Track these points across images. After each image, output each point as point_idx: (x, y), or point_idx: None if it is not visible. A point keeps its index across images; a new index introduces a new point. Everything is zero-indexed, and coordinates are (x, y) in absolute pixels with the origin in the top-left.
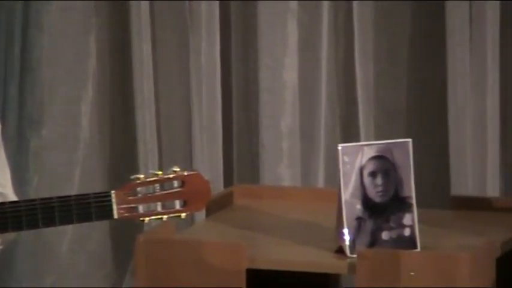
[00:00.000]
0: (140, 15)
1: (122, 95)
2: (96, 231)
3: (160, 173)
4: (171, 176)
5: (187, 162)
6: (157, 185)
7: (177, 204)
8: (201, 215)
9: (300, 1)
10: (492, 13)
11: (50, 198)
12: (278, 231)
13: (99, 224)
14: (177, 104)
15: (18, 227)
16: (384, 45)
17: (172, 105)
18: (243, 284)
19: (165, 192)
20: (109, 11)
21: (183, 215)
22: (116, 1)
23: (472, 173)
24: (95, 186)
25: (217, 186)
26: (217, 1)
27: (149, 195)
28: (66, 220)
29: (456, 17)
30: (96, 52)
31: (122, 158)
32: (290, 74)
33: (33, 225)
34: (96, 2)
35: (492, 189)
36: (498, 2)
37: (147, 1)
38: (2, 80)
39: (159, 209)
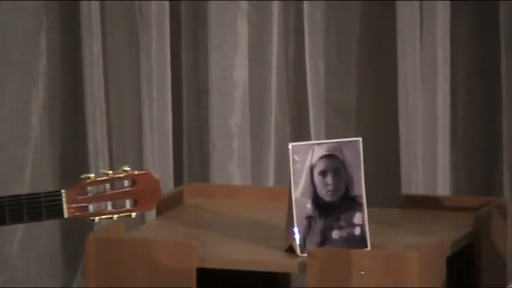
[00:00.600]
0: (90, 15)
1: (72, 95)
2: (47, 231)
3: (110, 172)
4: (121, 175)
5: (138, 161)
6: (107, 185)
7: (128, 204)
8: (151, 214)
9: (251, 1)
10: (442, 12)
11: (1, 197)
12: (228, 230)
13: (50, 223)
14: (127, 103)
15: None
16: (334, 45)
17: (123, 105)
18: (194, 283)
19: (116, 191)
20: (59, 11)
21: (134, 214)
22: (66, 1)
23: (422, 172)
24: (46, 186)
25: (168, 185)
26: (168, 1)
27: (99, 194)
28: (17, 219)
29: (406, 16)
30: (46, 52)
31: (72, 158)
32: (240, 73)
33: None
34: (47, 1)
35: (442, 188)
36: (448, 1)
37: (97, 1)
38: None
39: (110, 208)
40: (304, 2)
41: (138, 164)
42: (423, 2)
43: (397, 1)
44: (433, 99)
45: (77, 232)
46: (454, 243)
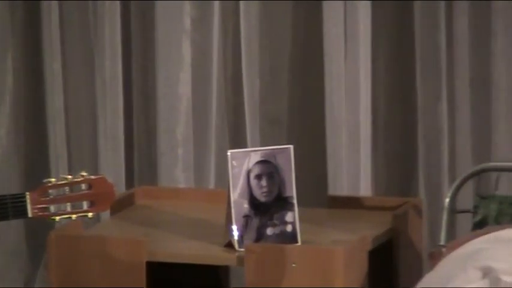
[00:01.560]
0: (51, 38)
1: (35, 108)
2: (13, 229)
3: (69, 177)
4: (79, 179)
5: (94, 167)
6: (67, 188)
7: (85, 205)
8: (106, 214)
9: (194, 23)
10: (364, 31)
11: None
12: (175, 227)
13: (15, 222)
14: (84, 115)
15: None
16: (267, 62)
17: (80, 117)
18: (143, 275)
19: (74, 194)
20: (25, 33)
21: (90, 214)
22: (30, 25)
23: (346, 175)
24: (12, 189)
25: (120, 188)
26: (119, 24)
27: (60, 196)
28: None
29: (332, 35)
30: (12, 69)
31: (35, 164)
32: (184, 88)
33: None
34: (13, 24)
35: (364, 190)
36: (369, 21)
37: (58, 28)
38: None
39: (69, 209)
40: (242, 26)
41: (94, 169)
42: (347, 25)
43: (324, 21)
44: (355, 110)
45: (39, 230)
46: (374, 239)
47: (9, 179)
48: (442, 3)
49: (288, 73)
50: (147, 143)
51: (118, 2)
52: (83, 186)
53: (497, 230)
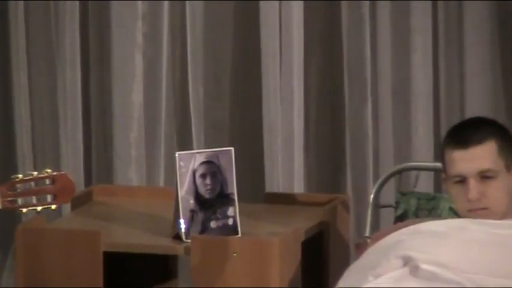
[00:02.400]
0: (18, 52)
1: (4, 113)
2: None
3: (35, 173)
4: (43, 175)
5: (56, 167)
6: (32, 183)
7: (49, 198)
8: (67, 209)
9: (145, 38)
10: (297, 45)
11: None
12: (128, 221)
13: None
14: (48, 119)
15: None
16: (210, 73)
17: (44, 121)
18: (101, 264)
19: (39, 188)
20: None
21: (53, 206)
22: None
23: (281, 174)
24: None
25: (79, 186)
26: (79, 39)
27: (26, 190)
28: None
29: (269, 49)
30: None
31: (4, 161)
32: (137, 96)
33: None
34: None
35: (298, 187)
36: (302, 37)
37: (24, 43)
38: None
39: (35, 201)
40: (188, 40)
41: (56, 169)
42: (282, 39)
43: (261, 40)
44: (289, 115)
45: (7, 224)
46: (307, 231)
47: None
48: (367, 20)
49: (229, 82)
50: (103, 145)
51: (77, 19)
52: (47, 181)
53: (416, 223)
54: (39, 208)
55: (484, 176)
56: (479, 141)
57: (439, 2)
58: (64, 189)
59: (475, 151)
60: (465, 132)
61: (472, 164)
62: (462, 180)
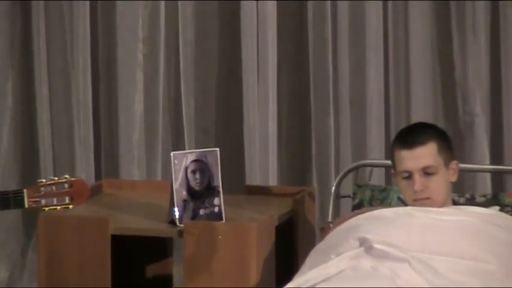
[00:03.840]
0: (40, 69)
1: (29, 124)
2: (11, 212)
3: (56, 178)
4: (62, 180)
5: (72, 166)
6: (53, 186)
7: (67, 199)
8: None
9: (145, 58)
10: (272, 64)
11: None
12: (131, 210)
13: (13, 212)
14: (65, 127)
15: None
16: (200, 86)
17: (61, 129)
18: (109, 246)
19: (59, 191)
20: (20, 66)
21: (70, 206)
22: (24, 62)
23: (259, 170)
24: (13, 187)
25: (91, 181)
26: (89, 59)
27: (48, 192)
28: None
29: (248, 67)
30: (11, 93)
31: (30, 167)
32: (138, 106)
33: None
34: (12, 58)
35: (272, 181)
36: (275, 56)
37: (46, 62)
38: None
39: (55, 202)
40: (181, 60)
41: (72, 167)
42: (260, 58)
43: (242, 61)
44: (265, 121)
45: (32, 212)
46: (279, 217)
47: (10, 179)
48: (330, 42)
49: (214, 95)
50: (110, 147)
51: (89, 42)
52: (66, 185)
53: (371, 210)
54: (58, 208)
55: (427, 172)
56: (422, 143)
57: (389, 30)
58: (80, 192)
59: (419, 151)
60: (411, 135)
61: (416, 161)
62: (409, 175)
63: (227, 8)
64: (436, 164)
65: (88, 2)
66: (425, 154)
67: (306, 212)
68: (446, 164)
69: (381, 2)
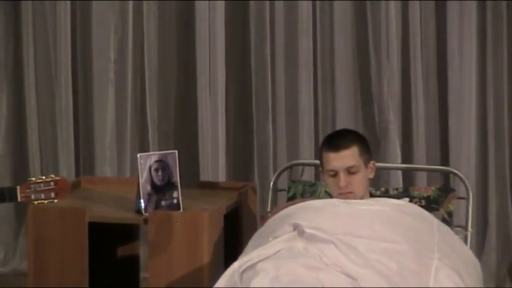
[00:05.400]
0: (29, 85)
1: (19, 131)
2: (5, 205)
3: (43, 177)
4: (49, 179)
5: (56, 165)
6: (42, 184)
7: (52, 195)
8: None
9: (116, 75)
10: (221, 80)
11: None
12: (104, 201)
13: (7, 205)
14: (50, 133)
15: None
16: (161, 99)
17: (47, 134)
18: (86, 231)
19: (46, 188)
20: (11, 82)
21: (55, 201)
22: (14, 76)
23: (211, 168)
24: (7, 183)
25: (71, 177)
26: (70, 76)
27: (37, 189)
28: None
29: (202, 78)
30: (6, 104)
31: (21, 168)
32: (110, 114)
33: None
34: (6, 73)
35: (221, 177)
36: (225, 75)
37: (34, 76)
38: None
39: (43, 197)
40: (146, 77)
41: (56, 166)
42: (211, 73)
43: (197, 76)
44: (216, 127)
45: (22, 204)
46: (227, 207)
47: (5, 177)
48: (269, 62)
49: (174, 105)
50: (87, 149)
51: (70, 63)
52: (51, 183)
53: (302, 201)
54: (45, 202)
55: (350, 171)
56: (346, 147)
57: (318, 53)
58: (63, 189)
59: (344, 154)
60: (336, 140)
61: (342, 162)
62: (335, 174)
63: (184, 38)
64: (357, 164)
65: (69, 28)
66: (349, 156)
67: (249, 203)
68: (366, 163)
69: (311, 31)
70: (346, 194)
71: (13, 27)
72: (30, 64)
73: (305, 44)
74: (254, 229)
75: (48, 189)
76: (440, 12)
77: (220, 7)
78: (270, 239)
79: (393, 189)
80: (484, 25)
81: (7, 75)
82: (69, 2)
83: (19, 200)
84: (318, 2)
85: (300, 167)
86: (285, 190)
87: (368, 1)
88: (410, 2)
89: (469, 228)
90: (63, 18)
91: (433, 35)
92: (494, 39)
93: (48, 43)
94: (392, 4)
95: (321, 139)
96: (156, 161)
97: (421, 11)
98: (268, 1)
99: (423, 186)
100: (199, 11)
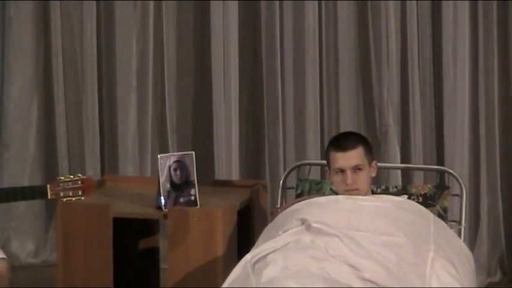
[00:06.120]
0: (58, 95)
1: (50, 135)
2: (37, 201)
3: (71, 176)
4: (76, 178)
5: (83, 166)
6: (70, 182)
7: (79, 192)
8: None
9: (138, 84)
10: (234, 82)
11: (16, 187)
12: (128, 198)
13: (38, 201)
14: (77, 136)
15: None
16: (180, 104)
17: (75, 137)
18: (111, 226)
19: (73, 186)
20: (42, 91)
21: (82, 198)
22: (44, 85)
23: (225, 168)
24: (38, 182)
25: (97, 176)
26: (96, 84)
27: (66, 187)
28: (24, 198)
29: (217, 85)
30: (37, 110)
31: (51, 168)
32: (132, 120)
33: (9, 200)
34: (37, 85)
35: (235, 176)
36: (238, 82)
37: (62, 82)
38: None
39: (70, 194)
40: (166, 86)
41: (83, 167)
42: (225, 83)
43: (213, 84)
44: (229, 130)
45: (51, 203)
46: (240, 204)
47: (36, 177)
48: (279, 70)
49: (191, 110)
50: (111, 150)
51: (95, 71)
52: (78, 182)
53: (309, 198)
54: (73, 199)
55: (356, 169)
56: (353, 147)
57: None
58: (89, 187)
59: (351, 153)
60: (344, 141)
61: (349, 161)
62: (342, 172)
63: (200, 49)
64: (363, 163)
65: (95, 40)
66: (355, 156)
67: (260, 199)
68: (369, 163)
69: (317, 42)
70: (351, 191)
71: (43, 39)
72: (59, 73)
73: (311, 54)
74: (265, 224)
75: (76, 187)
76: (436, 27)
77: (234, 22)
78: (280, 233)
79: (393, 187)
80: (476, 41)
81: (38, 83)
82: (95, 16)
83: (49, 197)
84: (323, 16)
85: (307, 167)
86: (293, 188)
87: (370, 17)
88: (408, 17)
89: (463, 223)
90: (89, 31)
91: (429, 47)
92: (485, 52)
93: (76, 53)
94: (392, 19)
95: (326, 141)
96: (175, 161)
97: (418, 26)
98: (278, 18)
99: (420, 184)
100: (214, 25)
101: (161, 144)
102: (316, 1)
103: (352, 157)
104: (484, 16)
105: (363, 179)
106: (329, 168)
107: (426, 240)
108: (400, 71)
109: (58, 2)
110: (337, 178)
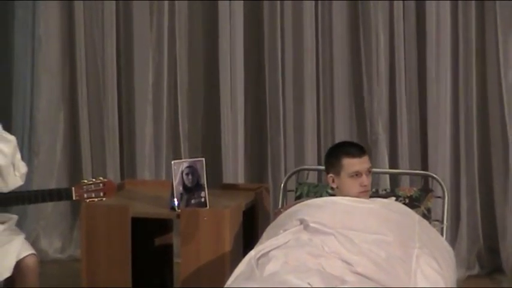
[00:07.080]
0: (82, 100)
1: (74, 142)
2: (62, 202)
3: (94, 179)
4: (98, 181)
5: (104, 170)
6: (92, 185)
7: (101, 194)
8: None
9: (153, 96)
10: (240, 95)
11: (44, 189)
12: (144, 200)
13: (64, 202)
14: (99, 143)
15: (29, 202)
16: (191, 115)
17: (97, 144)
18: (129, 225)
19: (96, 188)
20: (67, 103)
21: (104, 199)
22: (69, 95)
23: (231, 172)
24: (64, 185)
25: (117, 180)
26: (116, 96)
27: (89, 189)
28: (51, 199)
29: (224, 98)
30: (63, 121)
31: (76, 172)
32: (148, 129)
33: (38, 201)
34: (63, 96)
35: (240, 180)
36: (243, 91)
37: (86, 92)
38: None
39: (93, 196)
40: (179, 98)
41: (104, 172)
42: (232, 87)
43: (220, 90)
44: (235, 139)
45: (76, 204)
46: (245, 205)
47: (62, 180)
48: (280, 83)
49: (201, 121)
50: (130, 157)
51: (115, 85)
52: (100, 184)
53: (307, 200)
54: (95, 200)
55: (368, 172)
56: (365, 153)
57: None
58: (110, 189)
59: (365, 158)
60: (356, 148)
61: (364, 165)
62: (358, 175)
63: (209, 65)
64: (371, 167)
65: (115, 57)
66: (367, 160)
67: (263, 201)
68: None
69: (314, 59)
70: (366, 192)
71: (69, 56)
72: (83, 87)
73: (309, 71)
74: (268, 223)
75: (98, 189)
76: (421, 48)
77: (239, 43)
78: (281, 232)
79: (382, 190)
80: (457, 61)
81: (64, 96)
82: (115, 35)
83: (74, 198)
84: (320, 38)
85: (306, 172)
86: (293, 190)
87: (362, 37)
88: (396, 38)
89: (445, 222)
90: (110, 50)
91: (415, 65)
92: (465, 70)
93: (98, 70)
94: (382, 39)
95: (323, 148)
96: (187, 167)
97: (404, 47)
98: (279, 42)
99: (407, 187)
100: (222, 45)
101: (174, 152)
102: (314, 23)
103: (366, 161)
104: (464, 45)
105: (371, 180)
106: (336, 174)
107: (412, 238)
108: (389, 86)
109: (82, 23)
110: (352, 182)
